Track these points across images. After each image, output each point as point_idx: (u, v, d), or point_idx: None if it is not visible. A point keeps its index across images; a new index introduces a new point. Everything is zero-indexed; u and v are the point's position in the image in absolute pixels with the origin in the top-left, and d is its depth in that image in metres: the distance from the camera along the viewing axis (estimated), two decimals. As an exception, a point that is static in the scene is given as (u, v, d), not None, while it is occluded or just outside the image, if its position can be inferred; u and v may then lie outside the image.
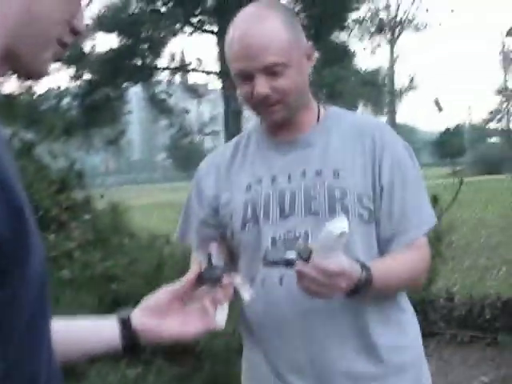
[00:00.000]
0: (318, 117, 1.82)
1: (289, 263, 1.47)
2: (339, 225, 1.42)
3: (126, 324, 1.25)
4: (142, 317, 1.26)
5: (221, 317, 1.30)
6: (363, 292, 1.55)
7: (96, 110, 6.49)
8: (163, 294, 1.29)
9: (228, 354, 3.04)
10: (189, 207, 1.90)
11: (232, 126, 7.00)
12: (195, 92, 10.40)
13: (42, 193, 4.87)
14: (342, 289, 1.48)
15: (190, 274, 1.30)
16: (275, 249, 1.66)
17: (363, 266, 1.55)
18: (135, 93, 11.57)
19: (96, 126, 6.46)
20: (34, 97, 8.69)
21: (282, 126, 1.78)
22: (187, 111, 8.12)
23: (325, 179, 1.73)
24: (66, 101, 6.73)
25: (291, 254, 1.47)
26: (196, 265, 1.34)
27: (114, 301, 3.69)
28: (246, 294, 1.38)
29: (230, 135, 7.17)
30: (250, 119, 10.59)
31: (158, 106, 7.76)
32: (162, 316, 1.27)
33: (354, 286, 1.51)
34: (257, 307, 1.69)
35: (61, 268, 4.07)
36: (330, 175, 1.73)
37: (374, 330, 1.71)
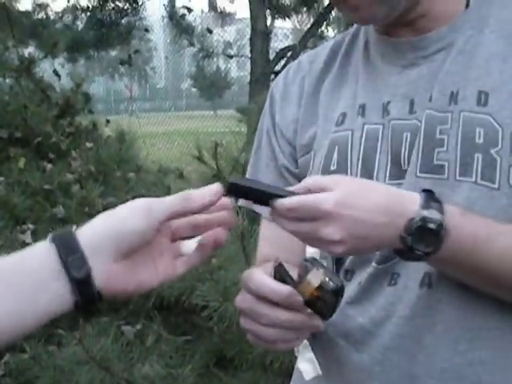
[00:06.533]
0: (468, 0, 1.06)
1: None
2: None
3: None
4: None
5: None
6: (427, 250, 0.88)
7: (107, 26, 5.85)
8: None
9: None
10: (259, 146, 1.20)
11: (258, 49, 6.34)
12: (222, 19, 9.68)
13: (41, 116, 4.33)
14: (326, 237, 0.88)
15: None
16: None
17: (429, 201, 0.88)
18: (157, 20, 10.77)
19: (106, 43, 5.83)
20: (50, 14, 8.10)
21: (398, 22, 1.06)
22: (210, 31, 7.50)
23: (462, 107, 0.99)
24: (71, 16, 6.12)
25: None
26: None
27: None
28: None
29: (255, 60, 6.51)
30: (279, 39, 9.84)
31: (178, 23, 7.11)
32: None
33: (396, 233, 0.87)
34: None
35: (54, 204, 3.58)
36: (472, 99, 0.98)
37: None
